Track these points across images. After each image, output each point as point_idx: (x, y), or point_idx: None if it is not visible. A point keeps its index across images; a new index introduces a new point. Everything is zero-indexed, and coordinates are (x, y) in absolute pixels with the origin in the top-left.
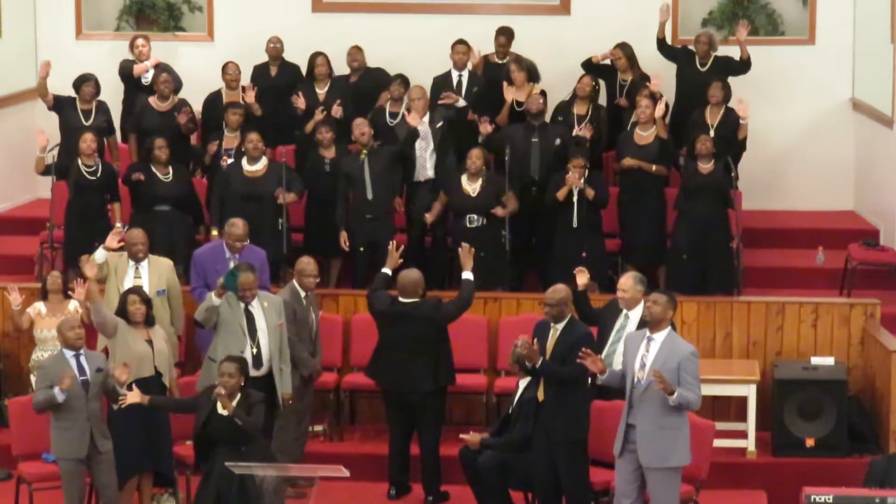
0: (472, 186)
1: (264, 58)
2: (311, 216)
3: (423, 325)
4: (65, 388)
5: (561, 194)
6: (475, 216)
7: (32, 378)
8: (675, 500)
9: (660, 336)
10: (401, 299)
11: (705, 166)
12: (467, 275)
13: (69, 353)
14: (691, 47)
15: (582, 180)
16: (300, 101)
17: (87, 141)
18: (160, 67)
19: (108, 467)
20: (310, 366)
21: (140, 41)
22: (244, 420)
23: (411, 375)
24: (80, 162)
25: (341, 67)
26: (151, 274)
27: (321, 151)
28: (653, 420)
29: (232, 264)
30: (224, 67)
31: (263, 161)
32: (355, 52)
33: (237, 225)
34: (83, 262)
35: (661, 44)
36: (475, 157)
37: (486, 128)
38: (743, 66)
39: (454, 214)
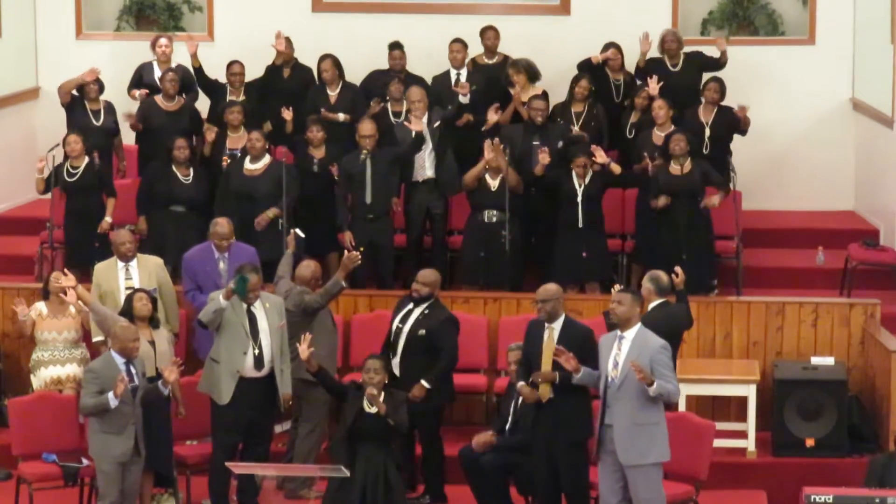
0: (492, 181)
1: (265, 58)
2: (301, 216)
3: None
4: (119, 395)
5: (537, 170)
6: (494, 211)
7: (32, 378)
8: (658, 497)
9: (630, 333)
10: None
11: (676, 166)
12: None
13: (120, 360)
14: (657, 55)
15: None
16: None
17: (72, 143)
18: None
19: (140, 470)
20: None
21: (163, 41)
22: (396, 419)
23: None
24: (67, 164)
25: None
26: (141, 273)
27: (310, 150)
28: (628, 417)
29: (221, 264)
30: (229, 66)
31: (265, 160)
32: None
33: (222, 224)
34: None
35: (638, 70)
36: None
37: (493, 116)
38: (716, 62)
39: (473, 209)
